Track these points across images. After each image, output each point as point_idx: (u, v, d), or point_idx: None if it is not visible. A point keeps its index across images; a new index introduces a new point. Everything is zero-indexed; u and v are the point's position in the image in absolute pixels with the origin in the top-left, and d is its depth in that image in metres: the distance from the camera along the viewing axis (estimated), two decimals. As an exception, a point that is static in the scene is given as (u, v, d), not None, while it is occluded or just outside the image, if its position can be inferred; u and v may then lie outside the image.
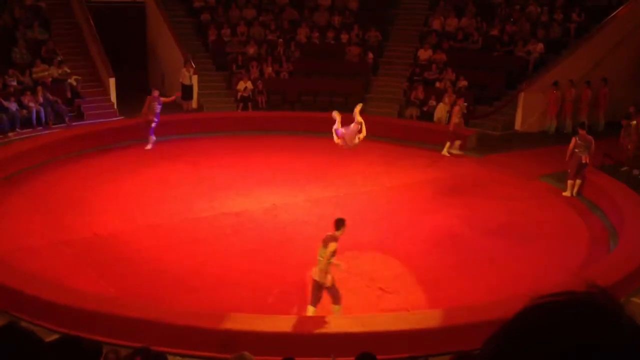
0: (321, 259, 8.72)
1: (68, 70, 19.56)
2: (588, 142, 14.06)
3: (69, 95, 19.14)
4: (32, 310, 8.99)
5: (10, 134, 17.15)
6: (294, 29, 22.99)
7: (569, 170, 14.37)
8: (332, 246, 8.63)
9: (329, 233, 8.80)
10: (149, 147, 17.01)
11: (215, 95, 21.48)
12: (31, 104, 17.79)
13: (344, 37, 22.71)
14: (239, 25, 22.66)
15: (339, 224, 8.78)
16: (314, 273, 8.89)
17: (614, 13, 20.28)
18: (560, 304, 0.99)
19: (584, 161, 14.01)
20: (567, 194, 14.41)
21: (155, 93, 17.20)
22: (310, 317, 9.09)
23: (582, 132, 14.25)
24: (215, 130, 18.63)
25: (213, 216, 13.01)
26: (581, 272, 10.69)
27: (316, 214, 13.27)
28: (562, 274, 10.78)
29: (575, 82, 19.34)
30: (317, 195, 14.29)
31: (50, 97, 18.27)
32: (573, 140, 14.25)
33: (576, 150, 14.07)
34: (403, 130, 18.91)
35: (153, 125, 16.98)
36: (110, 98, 20.12)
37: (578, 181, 14.34)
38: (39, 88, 18.10)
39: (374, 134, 18.53)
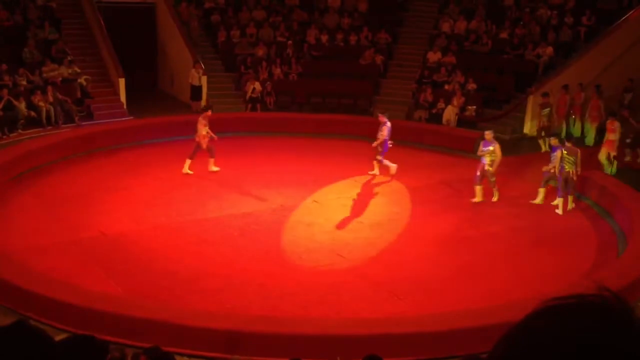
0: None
1: (78, 70, 19.64)
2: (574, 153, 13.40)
3: (78, 95, 19.23)
4: (40, 309, 9.03)
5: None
6: (303, 31, 23.02)
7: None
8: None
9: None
10: None
11: (224, 96, 21.50)
12: (41, 104, 17.89)
13: (353, 39, 22.72)
14: (248, 27, 22.71)
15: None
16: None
17: (625, 17, 20.19)
18: (571, 306, 0.99)
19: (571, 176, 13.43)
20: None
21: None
22: (316, 319, 9.11)
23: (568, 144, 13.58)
24: (223, 131, 18.63)
25: (220, 217, 13.02)
26: (589, 276, 10.64)
27: (323, 215, 13.29)
28: (570, 278, 10.75)
29: (585, 86, 19.25)
30: (324, 196, 14.29)
31: (60, 96, 18.35)
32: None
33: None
34: (411, 132, 18.88)
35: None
36: (119, 98, 20.18)
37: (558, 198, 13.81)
38: (49, 88, 18.17)
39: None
